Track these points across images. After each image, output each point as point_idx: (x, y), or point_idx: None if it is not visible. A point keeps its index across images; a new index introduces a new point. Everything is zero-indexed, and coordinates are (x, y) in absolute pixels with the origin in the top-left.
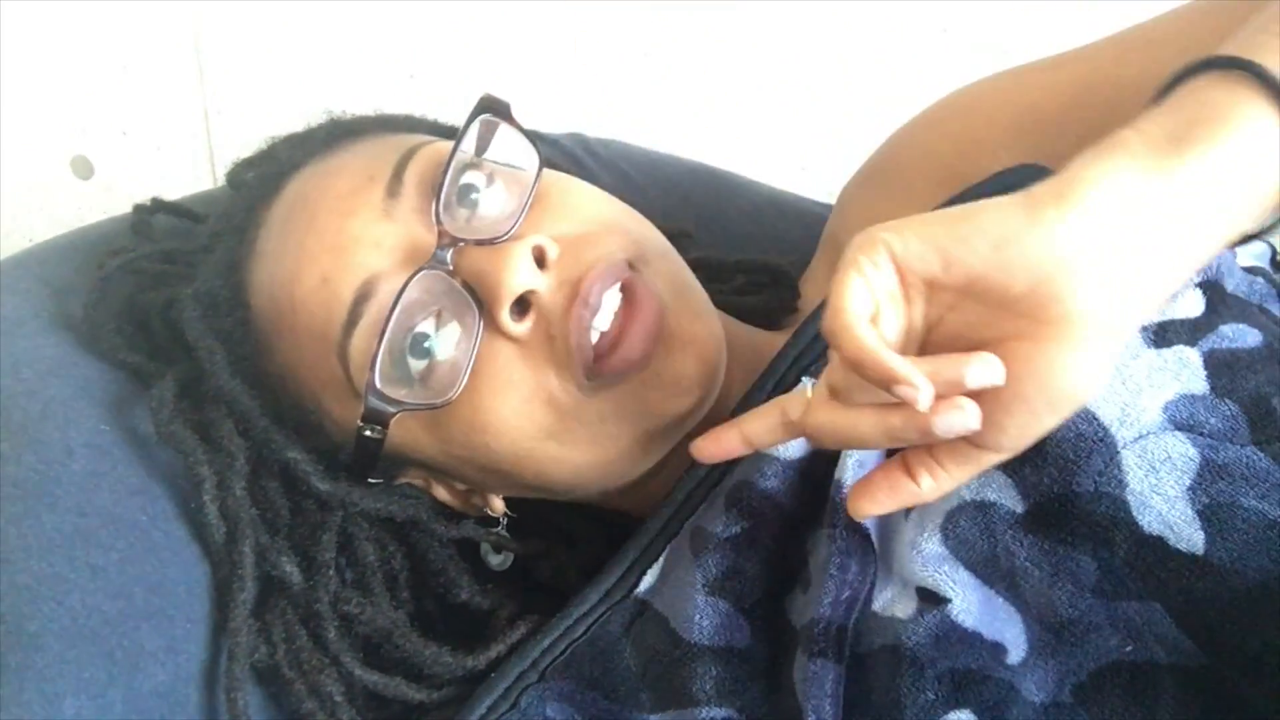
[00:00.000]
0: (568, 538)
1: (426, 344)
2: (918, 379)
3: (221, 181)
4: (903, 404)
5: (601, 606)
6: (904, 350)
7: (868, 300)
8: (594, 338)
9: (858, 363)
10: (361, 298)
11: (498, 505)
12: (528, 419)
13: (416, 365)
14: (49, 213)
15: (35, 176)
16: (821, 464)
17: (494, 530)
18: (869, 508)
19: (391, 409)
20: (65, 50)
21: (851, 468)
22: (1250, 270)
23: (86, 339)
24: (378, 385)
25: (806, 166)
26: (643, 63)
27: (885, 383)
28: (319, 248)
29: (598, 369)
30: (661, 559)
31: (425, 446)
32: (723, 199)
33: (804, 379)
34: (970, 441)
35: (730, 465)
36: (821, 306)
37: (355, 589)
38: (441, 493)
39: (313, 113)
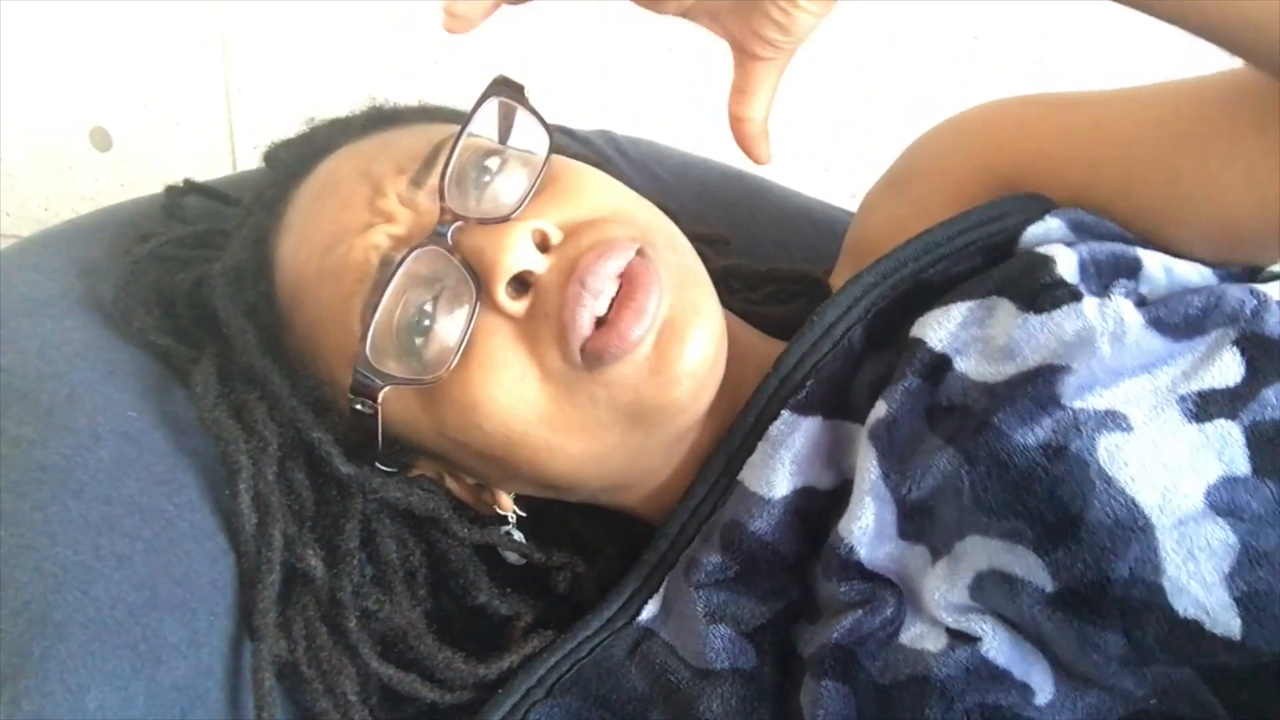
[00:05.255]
0: (586, 549)
1: (423, 320)
2: None
3: (241, 158)
4: None
5: (604, 632)
6: None
7: None
8: (589, 320)
9: None
10: (383, 265)
11: (505, 503)
12: (519, 399)
13: (414, 341)
14: (66, 183)
15: (53, 146)
16: (815, 502)
17: (517, 541)
18: None
19: (379, 382)
20: (87, 20)
21: (857, 533)
22: None
23: (116, 322)
24: (368, 357)
25: (830, 167)
26: (666, 58)
27: None
28: (349, 220)
29: (592, 348)
30: (662, 589)
31: (423, 428)
32: (753, 204)
33: None
34: None
35: (721, 497)
36: (804, 330)
37: (376, 585)
38: (454, 487)
39: (334, 95)
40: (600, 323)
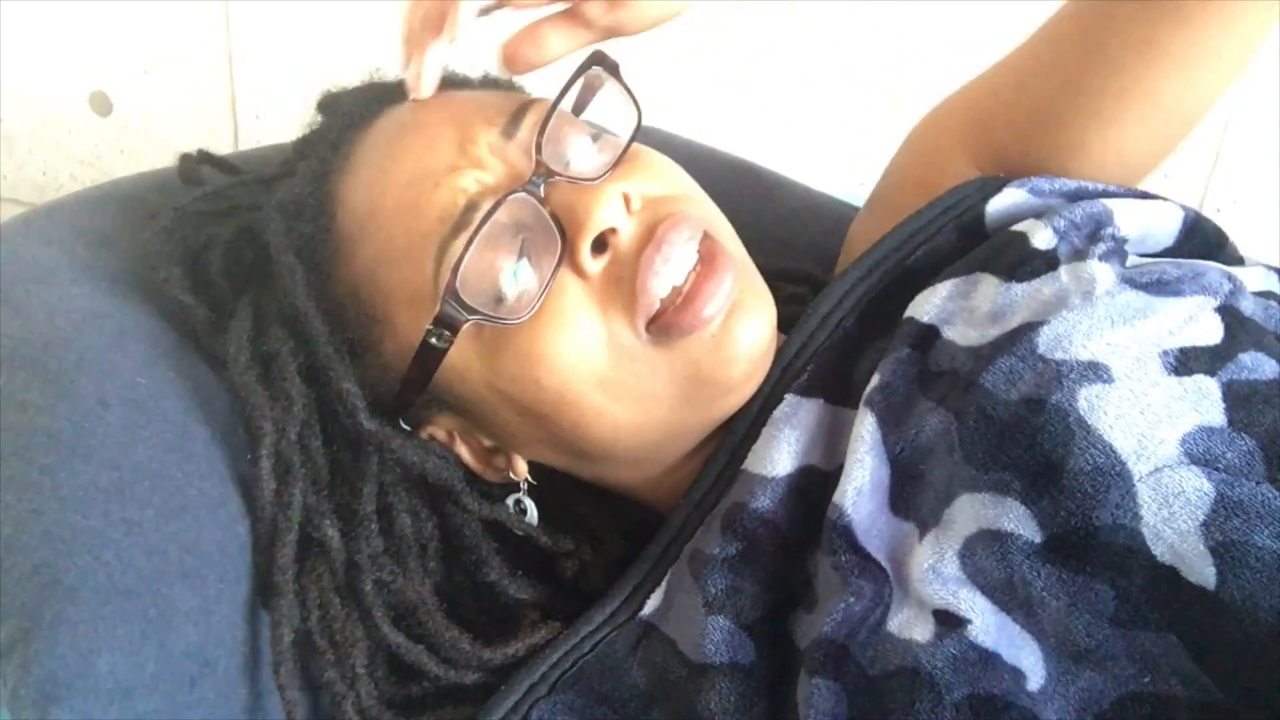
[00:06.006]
0: (592, 536)
1: (507, 265)
2: None
3: (243, 126)
4: None
5: (606, 628)
6: None
7: None
8: (665, 290)
9: None
10: (468, 209)
11: (520, 468)
12: (583, 358)
13: (493, 285)
14: (65, 147)
15: (53, 110)
16: (816, 481)
17: (527, 521)
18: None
19: (465, 316)
20: None
21: (851, 495)
22: (1261, 295)
23: (124, 289)
24: (458, 289)
25: (825, 162)
26: (666, 58)
27: None
28: (435, 161)
29: (666, 322)
30: (664, 583)
31: (473, 377)
32: (760, 198)
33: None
34: None
35: (724, 488)
36: (802, 322)
37: (389, 558)
38: (464, 452)
39: (337, 63)
40: (675, 291)
